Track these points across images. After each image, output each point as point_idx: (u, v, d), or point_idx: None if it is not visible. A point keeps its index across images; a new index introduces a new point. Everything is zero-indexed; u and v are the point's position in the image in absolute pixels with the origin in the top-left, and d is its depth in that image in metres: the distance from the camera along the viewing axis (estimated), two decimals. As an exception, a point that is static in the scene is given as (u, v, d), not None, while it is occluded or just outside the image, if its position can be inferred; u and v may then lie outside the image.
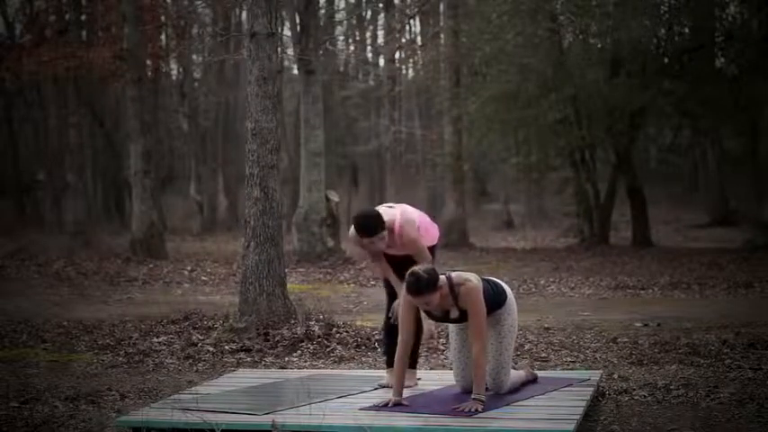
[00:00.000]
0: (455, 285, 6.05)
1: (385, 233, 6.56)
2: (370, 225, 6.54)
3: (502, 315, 6.32)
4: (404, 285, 6.08)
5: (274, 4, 9.73)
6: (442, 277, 6.05)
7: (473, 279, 6.10)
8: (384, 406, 6.01)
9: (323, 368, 8.21)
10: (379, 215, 6.59)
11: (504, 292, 6.37)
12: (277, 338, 9.06)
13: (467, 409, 5.82)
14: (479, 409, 5.82)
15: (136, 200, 20.15)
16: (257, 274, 9.39)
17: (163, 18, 25.03)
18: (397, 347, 6.18)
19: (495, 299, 6.24)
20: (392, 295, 6.85)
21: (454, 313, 6.14)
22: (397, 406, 6.00)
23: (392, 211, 6.71)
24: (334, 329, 9.37)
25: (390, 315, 6.78)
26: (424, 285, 5.92)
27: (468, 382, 6.28)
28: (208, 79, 35.97)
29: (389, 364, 6.85)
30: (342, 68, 37.12)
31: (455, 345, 6.45)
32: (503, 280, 6.60)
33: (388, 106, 33.49)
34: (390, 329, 6.91)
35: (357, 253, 6.95)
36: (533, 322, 10.53)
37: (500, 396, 6.23)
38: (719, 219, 29.97)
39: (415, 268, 5.99)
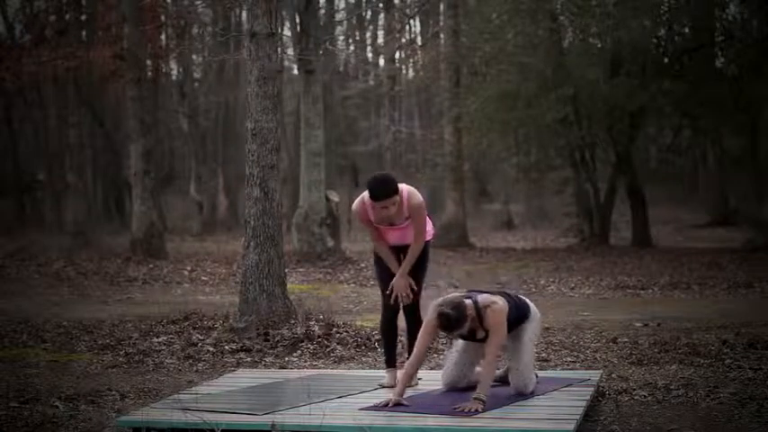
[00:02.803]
0: (482, 309, 6.14)
1: (398, 197, 6.58)
2: (387, 187, 6.55)
3: (521, 330, 6.41)
4: (429, 315, 6.14)
5: (274, 4, 9.72)
6: (469, 302, 6.13)
7: (499, 301, 6.20)
8: (384, 406, 6.02)
9: (323, 368, 8.21)
10: (394, 178, 6.64)
11: (528, 307, 6.47)
12: (277, 338, 9.06)
13: (467, 409, 5.83)
14: (479, 410, 5.83)
15: (136, 200, 20.14)
16: (257, 274, 9.39)
17: (163, 18, 25.02)
18: (410, 356, 6.34)
19: (516, 314, 6.33)
20: (385, 281, 6.85)
21: (480, 334, 6.23)
22: (397, 406, 6.01)
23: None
24: (334, 329, 9.37)
25: (388, 293, 6.80)
26: (454, 323, 6.02)
27: (450, 380, 6.45)
28: (208, 79, 35.97)
29: (389, 363, 6.87)
30: (342, 68, 37.11)
31: (455, 350, 6.52)
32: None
33: (388, 106, 33.53)
34: (388, 329, 6.93)
35: (359, 213, 6.83)
36: (533, 322, 10.52)
37: (500, 396, 6.24)
38: (719, 219, 29.97)
39: (443, 309, 6.00)
